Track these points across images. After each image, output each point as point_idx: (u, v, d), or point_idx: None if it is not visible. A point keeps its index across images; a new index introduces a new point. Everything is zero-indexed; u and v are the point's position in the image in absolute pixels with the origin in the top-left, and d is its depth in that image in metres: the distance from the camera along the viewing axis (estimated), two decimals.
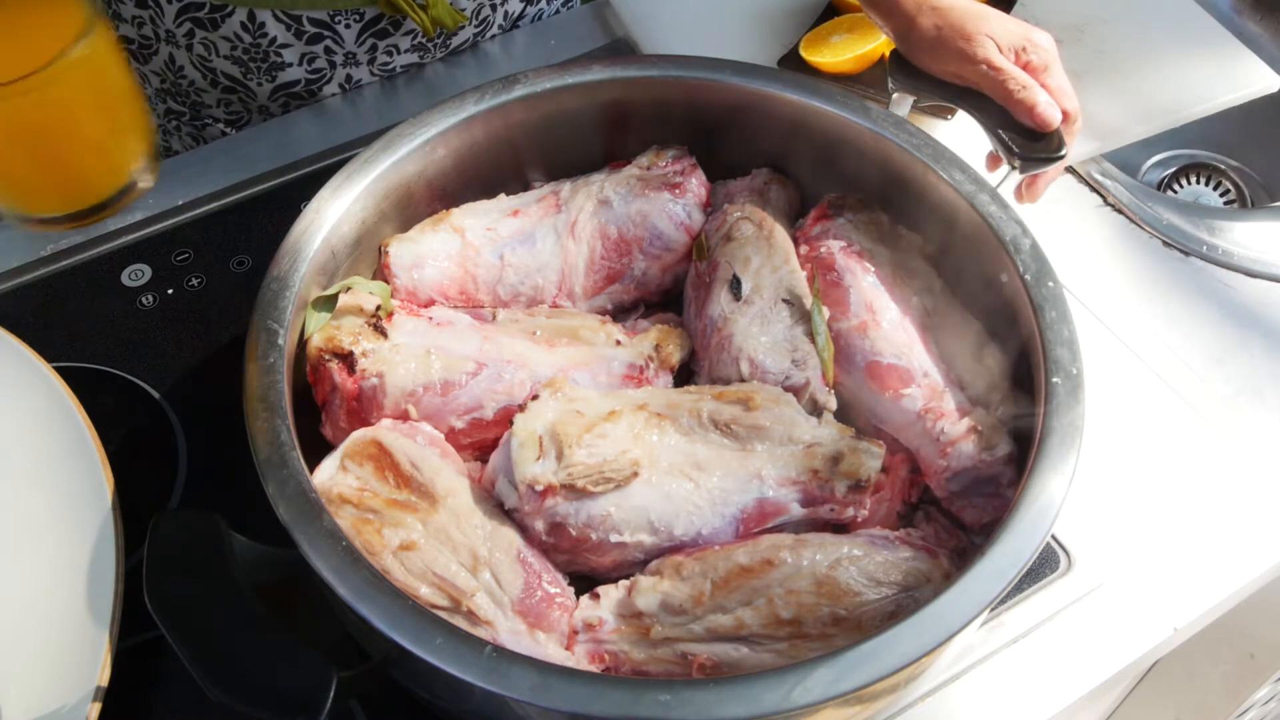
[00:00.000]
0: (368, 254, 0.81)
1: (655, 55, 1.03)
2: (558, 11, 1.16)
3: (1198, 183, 1.29)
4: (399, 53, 1.07)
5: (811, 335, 0.76)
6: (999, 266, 0.75)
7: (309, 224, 0.75)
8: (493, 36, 1.12)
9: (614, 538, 0.68)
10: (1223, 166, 1.29)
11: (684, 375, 0.80)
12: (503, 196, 0.85)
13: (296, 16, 0.99)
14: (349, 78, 1.07)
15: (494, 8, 1.08)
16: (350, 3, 0.99)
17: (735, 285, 0.78)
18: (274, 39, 1.00)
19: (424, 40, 1.06)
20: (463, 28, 1.08)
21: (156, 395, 0.86)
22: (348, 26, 1.01)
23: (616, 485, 0.68)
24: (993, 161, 0.85)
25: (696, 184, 0.85)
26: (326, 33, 1.01)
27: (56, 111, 0.79)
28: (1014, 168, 0.80)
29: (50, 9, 0.78)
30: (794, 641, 0.64)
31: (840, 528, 0.72)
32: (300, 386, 0.74)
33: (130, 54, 1.05)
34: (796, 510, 0.70)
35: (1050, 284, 0.73)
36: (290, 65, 1.03)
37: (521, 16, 1.12)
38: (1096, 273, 0.96)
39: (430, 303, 0.81)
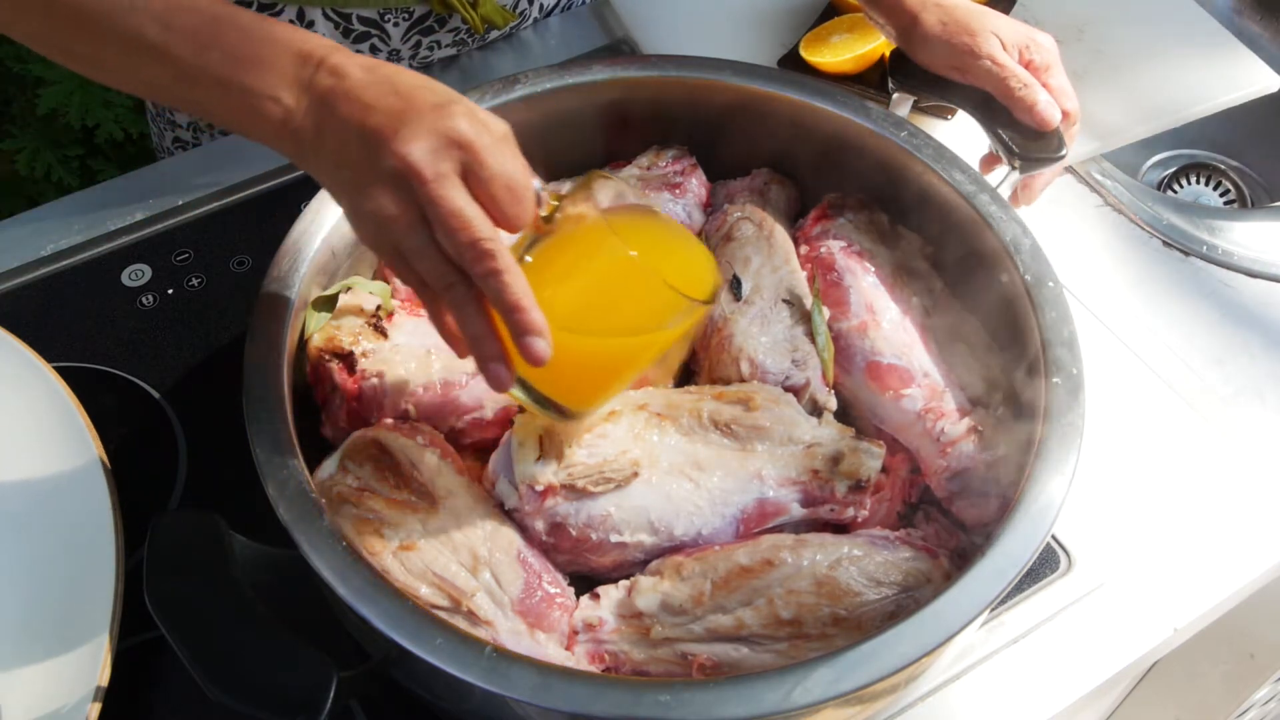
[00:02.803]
0: (368, 254, 0.81)
1: (655, 55, 1.03)
2: (584, 2, 1.15)
3: (1198, 183, 1.29)
4: (439, 48, 1.07)
5: (811, 335, 0.76)
6: (999, 266, 0.75)
7: (309, 224, 0.75)
8: (525, 27, 1.12)
9: (614, 538, 0.68)
10: (1223, 166, 1.29)
11: (684, 375, 0.80)
12: None
13: (347, 15, 0.99)
14: None
15: (530, 1, 1.08)
16: (402, 0, 0.99)
17: (735, 285, 0.78)
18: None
19: (465, 35, 1.07)
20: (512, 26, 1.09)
21: (156, 395, 0.86)
22: (396, 25, 1.01)
23: (617, 485, 0.68)
24: (987, 165, 0.85)
25: (696, 184, 0.85)
26: (374, 31, 1.01)
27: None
28: (1014, 168, 0.80)
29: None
30: (794, 642, 0.64)
31: (840, 528, 0.71)
32: (300, 386, 0.74)
33: None
34: (796, 510, 0.70)
35: (1050, 284, 0.72)
36: None
37: (555, 8, 1.13)
38: (1096, 273, 0.96)
39: None
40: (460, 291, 0.59)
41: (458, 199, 0.58)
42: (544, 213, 0.62)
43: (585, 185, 0.64)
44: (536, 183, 0.62)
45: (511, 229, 0.60)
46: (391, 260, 0.61)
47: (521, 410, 0.71)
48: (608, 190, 0.65)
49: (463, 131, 0.58)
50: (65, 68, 0.71)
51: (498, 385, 0.61)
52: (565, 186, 0.85)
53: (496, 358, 0.60)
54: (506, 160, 0.59)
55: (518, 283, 0.58)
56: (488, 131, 0.59)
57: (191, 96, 0.63)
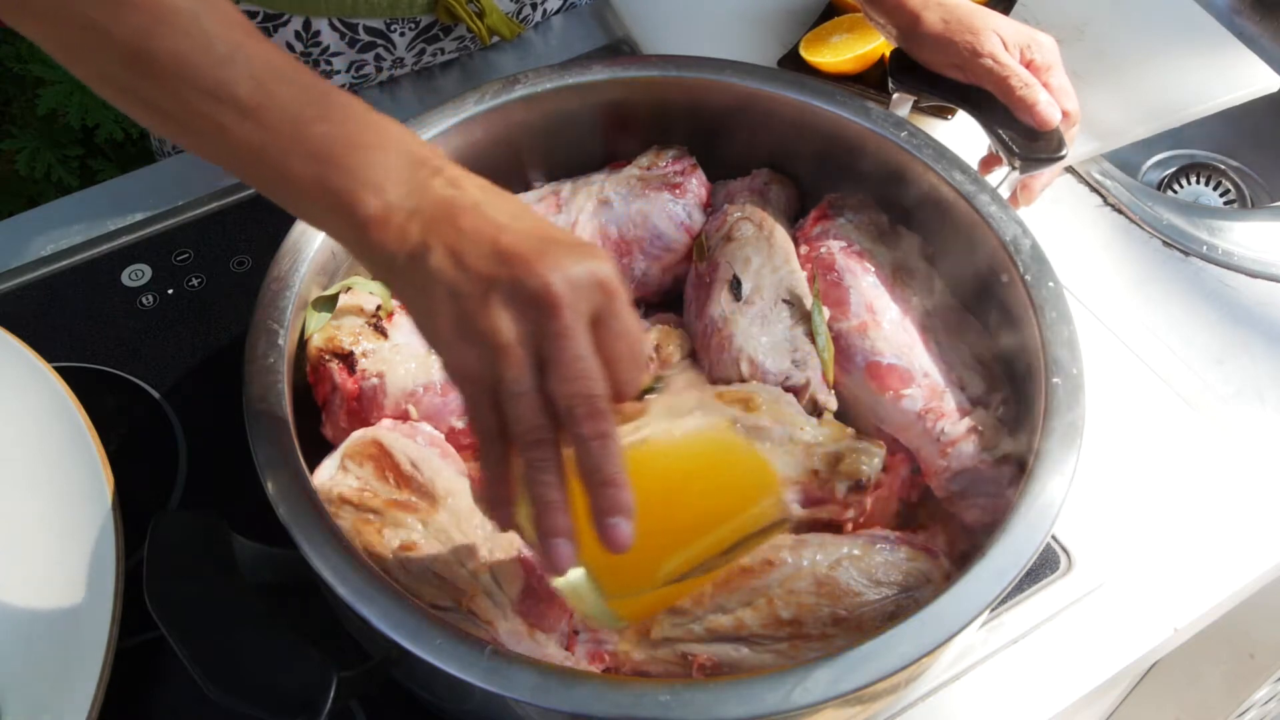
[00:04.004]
0: None
1: (655, 55, 1.03)
2: (586, 2, 1.15)
3: (1198, 183, 1.29)
4: (443, 54, 1.07)
5: (812, 335, 0.76)
6: (999, 266, 0.75)
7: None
8: (527, 30, 1.12)
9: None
10: (1223, 166, 1.29)
11: None
12: None
13: (353, 25, 0.98)
14: (391, 78, 1.07)
15: (534, 6, 1.08)
16: (408, 10, 0.98)
17: (735, 285, 0.78)
18: (326, 48, 0.99)
19: (468, 43, 1.07)
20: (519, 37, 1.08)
21: (156, 395, 0.86)
22: (401, 34, 1.01)
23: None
24: (986, 165, 0.85)
25: (696, 184, 0.85)
26: (380, 40, 1.01)
27: None
28: (1014, 167, 0.80)
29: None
30: (794, 642, 0.64)
31: (840, 528, 0.71)
32: (300, 386, 0.74)
33: None
34: (796, 510, 0.70)
35: (1050, 284, 0.72)
36: (338, 73, 1.03)
37: (558, 12, 1.13)
38: (1096, 273, 0.96)
39: None
40: (548, 451, 0.52)
41: (587, 345, 0.52)
42: (649, 382, 0.57)
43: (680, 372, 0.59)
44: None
45: (619, 398, 0.54)
46: (478, 396, 0.53)
47: None
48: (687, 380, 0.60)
49: (607, 276, 0.53)
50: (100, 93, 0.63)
51: (560, 564, 0.53)
52: (566, 187, 0.85)
53: (567, 533, 0.52)
54: (636, 321, 0.54)
55: (621, 457, 0.52)
56: (625, 286, 0.54)
57: (279, 171, 0.56)
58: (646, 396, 0.57)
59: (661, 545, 0.58)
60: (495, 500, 0.56)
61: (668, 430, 0.58)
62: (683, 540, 0.59)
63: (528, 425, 0.52)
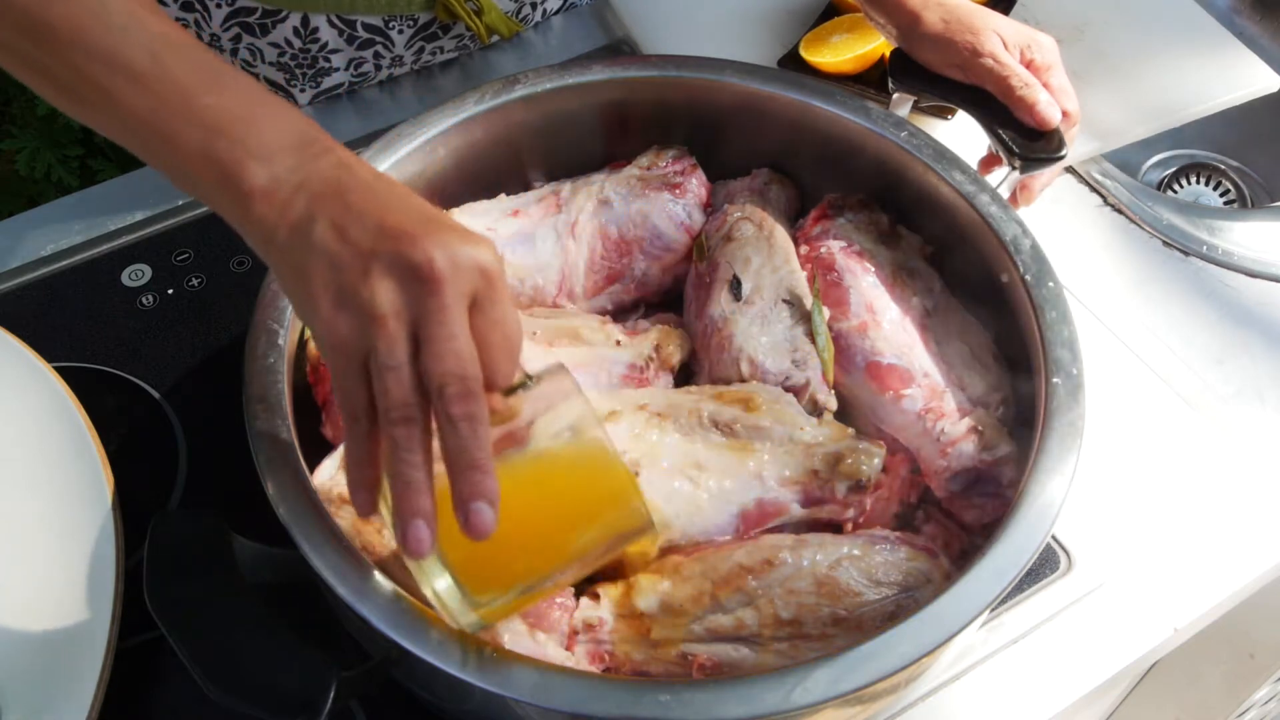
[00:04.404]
0: None
1: (655, 55, 1.03)
2: (586, 2, 1.15)
3: (1198, 183, 1.29)
4: (442, 53, 1.07)
5: (812, 335, 0.76)
6: (999, 266, 0.75)
7: None
8: (527, 30, 1.12)
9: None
10: (1223, 166, 1.29)
11: (684, 375, 0.80)
12: (503, 197, 0.85)
13: (351, 21, 0.98)
14: (390, 76, 1.07)
15: (534, 6, 1.08)
16: (406, 7, 0.98)
17: (735, 285, 0.78)
18: (325, 44, 0.99)
19: (467, 41, 1.07)
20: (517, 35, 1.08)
21: (156, 395, 0.86)
22: (400, 31, 1.01)
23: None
24: (986, 165, 0.85)
25: (697, 184, 0.85)
26: (379, 38, 1.01)
27: None
28: (1014, 167, 0.80)
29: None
30: (794, 642, 0.64)
31: (840, 528, 0.71)
32: (300, 386, 0.74)
33: None
34: (796, 510, 0.70)
35: (1050, 284, 0.73)
36: (337, 70, 1.03)
37: (558, 12, 1.13)
38: (1096, 273, 0.96)
39: None
40: (415, 430, 0.52)
41: (464, 325, 0.52)
42: (519, 379, 0.56)
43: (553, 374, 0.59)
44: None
45: (490, 386, 0.53)
46: (348, 368, 0.53)
47: None
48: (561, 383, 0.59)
49: (490, 261, 0.53)
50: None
51: (417, 549, 0.52)
52: (566, 187, 0.85)
53: (427, 516, 0.52)
54: (514, 313, 0.54)
55: (489, 444, 0.52)
56: (505, 277, 0.54)
57: (167, 139, 0.56)
58: (516, 392, 0.57)
59: (520, 548, 0.57)
60: (356, 483, 0.55)
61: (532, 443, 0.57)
62: (541, 544, 0.58)
63: (396, 400, 0.51)
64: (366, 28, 0.99)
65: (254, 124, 0.55)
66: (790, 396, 0.74)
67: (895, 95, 0.87)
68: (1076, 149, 0.93)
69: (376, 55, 1.03)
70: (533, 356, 0.75)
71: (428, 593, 0.57)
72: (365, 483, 0.55)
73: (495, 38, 1.07)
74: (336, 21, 0.98)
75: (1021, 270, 0.73)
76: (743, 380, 0.75)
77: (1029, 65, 0.81)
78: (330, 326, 0.53)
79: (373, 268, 0.52)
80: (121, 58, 0.56)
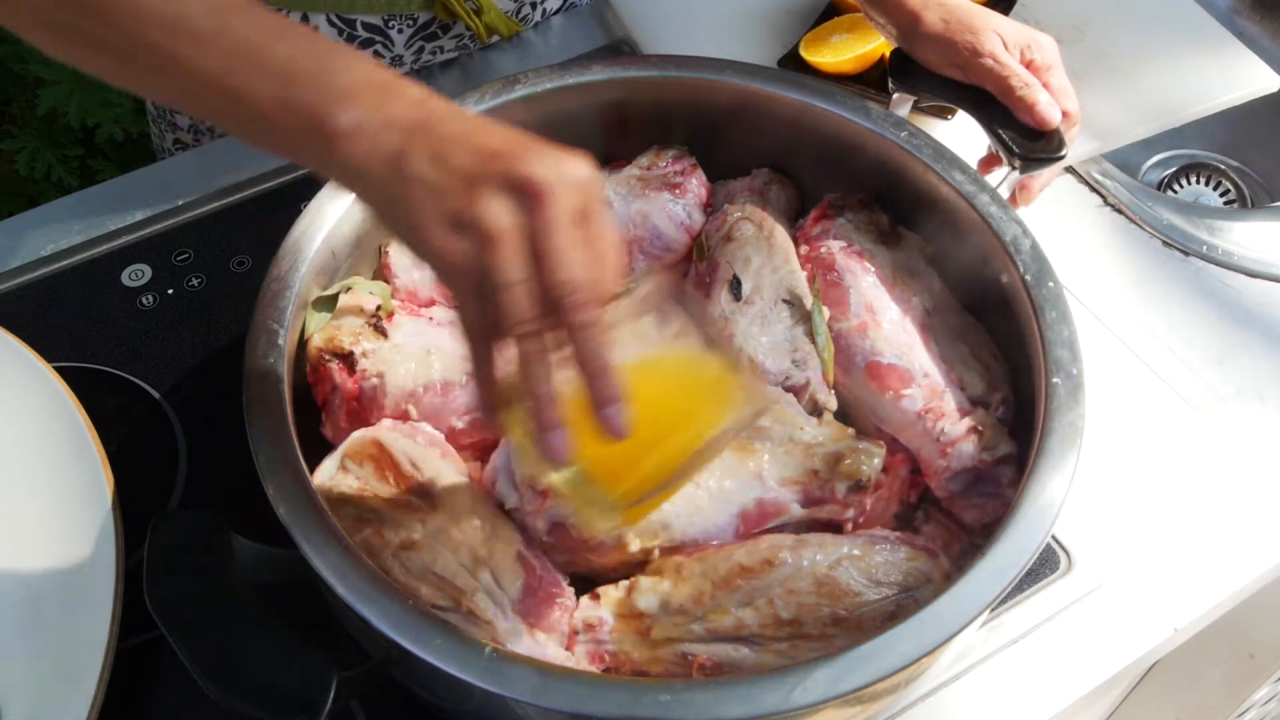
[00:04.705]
0: (368, 254, 0.81)
1: (655, 55, 1.03)
2: (585, 2, 1.15)
3: (1198, 183, 1.29)
4: (442, 53, 1.07)
5: (812, 335, 0.76)
6: (999, 266, 0.75)
7: (309, 224, 0.75)
8: (527, 30, 1.12)
9: (614, 538, 0.68)
10: (1223, 166, 1.29)
11: None
12: None
13: (351, 21, 0.98)
14: None
15: (534, 6, 1.08)
16: (406, 6, 0.98)
17: (735, 285, 0.78)
18: None
19: (468, 40, 1.07)
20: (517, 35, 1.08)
21: (156, 395, 0.86)
22: (400, 31, 1.01)
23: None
24: (986, 165, 0.85)
25: (696, 184, 0.85)
26: (378, 37, 1.01)
27: None
28: (1014, 167, 0.80)
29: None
30: (794, 642, 0.64)
31: (840, 528, 0.71)
32: (300, 386, 0.74)
33: None
34: (796, 510, 0.70)
35: (1050, 284, 0.72)
36: None
37: (558, 12, 1.13)
38: (1096, 273, 0.96)
39: (431, 302, 0.81)
40: (540, 344, 0.53)
41: (576, 235, 0.52)
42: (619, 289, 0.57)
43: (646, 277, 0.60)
44: None
45: (600, 297, 0.55)
46: (467, 290, 0.53)
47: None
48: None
49: (589, 175, 0.54)
50: (77, 68, 0.61)
51: (558, 455, 0.54)
52: None
53: (561, 425, 0.53)
54: (612, 223, 0.55)
55: (610, 349, 0.53)
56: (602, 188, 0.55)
57: (239, 95, 0.56)
58: (620, 299, 0.58)
59: (649, 446, 0.59)
60: (488, 404, 0.56)
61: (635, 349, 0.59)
62: (667, 440, 0.60)
63: (521, 316, 0.52)
64: (366, 27, 0.99)
65: (328, 70, 0.55)
66: (790, 396, 0.74)
67: (895, 95, 0.87)
68: (1076, 149, 0.93)
69: (376, 55, 1.03)
70: None
71: (568, 503, 0.59)
72: (494, 402, 0.56)
73: (495, 37, 1.07)
74: (336, 21, 0.98)
75: (1021, 270, 0.73)
76: None
77: (1029, 65, 0.81)
78: (444, 252, 0.53)
79: (480, 189, 0.52)
80: (184, 22, 0.56)
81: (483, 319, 0.54)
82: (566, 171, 0.53)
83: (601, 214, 0.54)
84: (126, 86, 0.61)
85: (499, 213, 0.52)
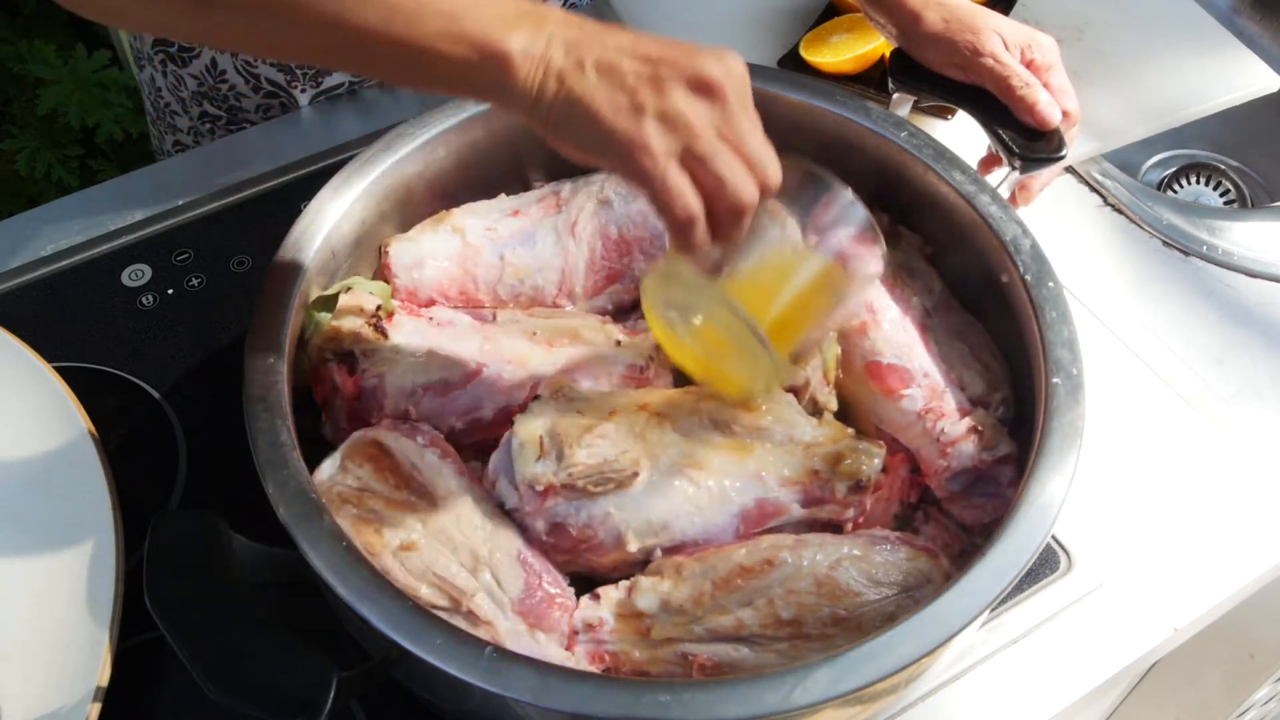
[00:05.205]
0: (368, 254, 0.81)
1: None
2: (585, 3, 1.15)
3: (1198, 183, 1.29)
4: None
5: None
6: (999, 266, 0.75)
7: (309, 224, 0.75)
8: None
9: (614, 538, 0.68)
10: (1223, 166, 1.29)
11: (684, 375, 0.80)
12: (503, 196, 0.85)
13: None
14: None
15: None
16: None
17: None
18: None
19: None
20: None
21: (156, 395, 0.86)
22: None
23: (617, 485, 0.67)
24: (986, 165, 0.85)
25: None
26: None
27: None
28: (1014, 167, 0.80)
29: None
30: (794, 642, 0.64)
31: (840, 528, 0.71)
32: (300, 386, 0.74)
33: (168, 57, 1.03)
34: (796, 510, 0.70)
35: (1050, 284, 0.72)
36: (337, 70, 1.03)
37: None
38: (1096, 273, 0.96)
39: (430, 303, 0.81)
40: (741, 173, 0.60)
41: (753, 117, 0.60)
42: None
43: None
44: None
45: (764, 192, 0.61)
46: (669, 169, 0.58)
47: (522, 410, 0.70)
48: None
49: (744, 70, 0.60)
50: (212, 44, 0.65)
51: (739, 232, 0.61)
52: (566, 187, 0.85)
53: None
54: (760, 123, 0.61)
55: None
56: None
57: (405, 38, 0.59)
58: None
59: (792, 322, 0.68)
60: (709, 268, 0.64)
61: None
62: (798, 318, 0.68)
63: (737, 181, 0.59)
64: None
65: (482, 5, 0.59)
66: (790, 396, 0.74)
67: (895, 95, 0.87)
68: (1076, 149, 0.93)
69: None
70: (533, 356, 0.75)
71: (751, 362, 0.67)
72: (714, 265, 0.63)
73: None
74: None
75: (1021, 270, 0.73)
76: None
77: (1029, 65, 0.81)
78: (642, 140, 0.58)
79: (662, 83, 0.58)
80: None
81: (690, 192, 0.59)
82: (730, 66, 0.60)
83: (752, 105, 0.61)
84: (255, 48, 0.65)
85: (685, 102, 0.58)
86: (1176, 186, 1.29)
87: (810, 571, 0.66)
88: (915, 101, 0.88)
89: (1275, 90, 1.06)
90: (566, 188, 0.85)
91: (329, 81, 1.04)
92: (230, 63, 1.02)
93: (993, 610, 0.68)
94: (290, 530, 0.61)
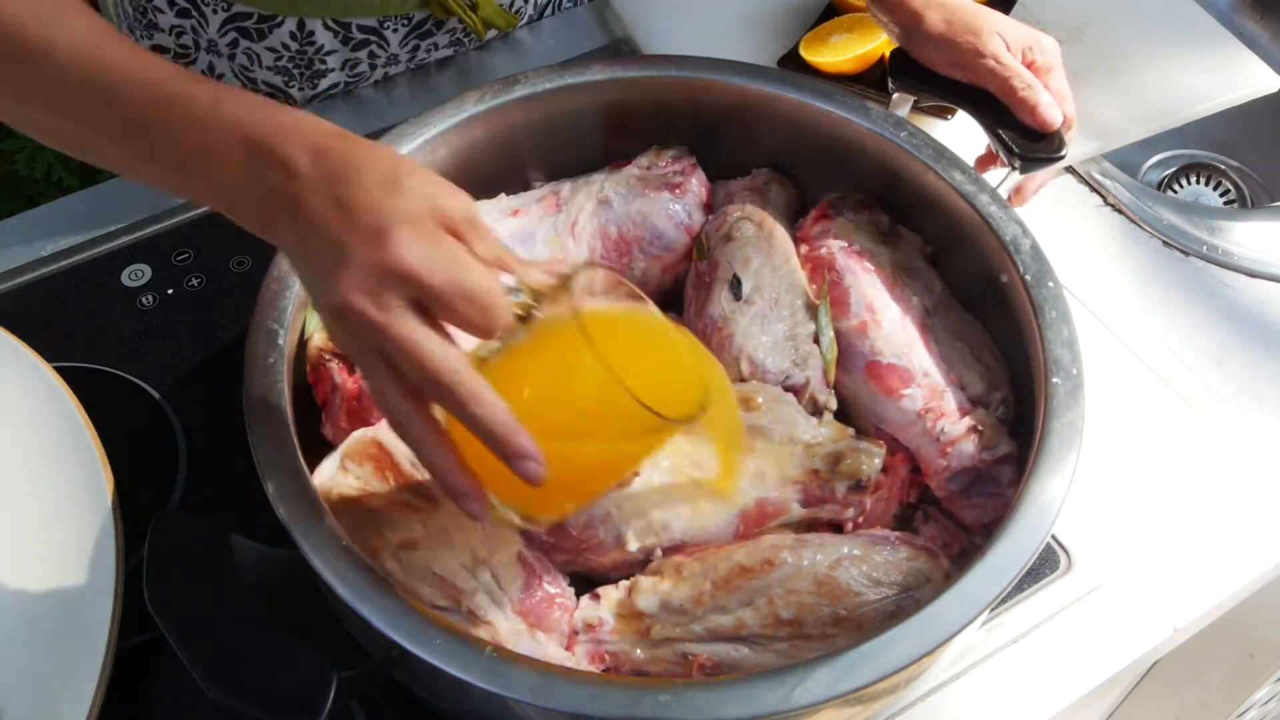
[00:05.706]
0: None
1: (655, 55, 1.03)
2: (579, 3, 1.15)
3: (1198, 183, 1.29)
4: (437, 49, 1.07)
5: (817, 335, 0.76)
6: (999, 266, 0.75)
7: None
8: (523, 27, 1.12)
9: (614, 538, 0.68)
10: (1223, 166, 1.29)
11: None
12: (503, 196, 0.85)
13: (346, 23, 0.98)
14: (386, 75, 1.07)
15: (526, 0, 1.08)
16: (402, 7, 0.98)
17: (736, 285, 0.78)
18: (321, 46, 1.00)
19: (461, 36, 1.07)
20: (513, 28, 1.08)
21: (156, 395, 0.86)
22: (394, 30, 1.01)
23: (618, 485, 0.67)
24: (983, 164, 0.85)
25: (697, 184, 0.85)
26: (374, 38, 1.01)
27: None
28: (1014, 168, 0.80)
29: None
30: (794, 642, 0.64)
31: (840, 528, 0.71)
32: (300, 386, 0.74)
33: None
34: (796, 510, 0.70)
35: (1050, 284, 0.73)
36: (333, 71, 1.03)
37: (548, 6, 1.12)
38: (1096, 273, 0.96)
39: None
40: (417, 427, 0.56)
41: (410, 328, 0.53)
42: (519, 312, 0.57)
43: (566, 281, 0.59)
44: (509, 279, 0.57)
45: (487, 337, 0.57)
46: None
47: None
48: (598, 281, 0.61)
49: (403, 263, 0.53)
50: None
51: (476, 517, 0.58)
52: (566, 187, 0.85)
53: (466, 494, 0.57)
54: (459, 271, 0.54)
55: (493, 406, 0.54)
56: (437, 245, 0.54)
57: (157, 181, 0.62)
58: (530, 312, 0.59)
59: (578, 472, 0.61)
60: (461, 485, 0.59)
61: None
62: (587, 437, 0.60)
63: (391, 412, 0.56)
64: (361, 29, 0.99)
65: (203, 160, 0.60)
66: (790, 396, 0.74)
67: (895, 95, 0.87)
68: (1076, 149, 0.93)
69: (371, 55, 1.03)
70: None
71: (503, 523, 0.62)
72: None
73: (491, 33, 1.07)
74: (332, 24, 0.98)
75: (1021, 270, 0.73)
76: (743, 380, 0.75)
77: (1030, 66, 0.81)
78: (331, 332, 0.58)
79: (324, 299, 0.56)
80: (88, 111, 0.60)
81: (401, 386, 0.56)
82: (381, 269, 0.54)
83: (439, 276, 0.54)
84: (84, 159, 0.65)
85: (341, 336, 0.57)
86: (1176, 186, 1.29)
87: (810, 571, 0.66)
88: (915, 101, 0.88)
89: (1275, 90, 1.06)
90: (566, 187, 0.85)
91: (325, 83, 1.04)
92: (228, 68, 1.02)
93: (993, 610, 0.68)
94: (290, 530, 0.61)
